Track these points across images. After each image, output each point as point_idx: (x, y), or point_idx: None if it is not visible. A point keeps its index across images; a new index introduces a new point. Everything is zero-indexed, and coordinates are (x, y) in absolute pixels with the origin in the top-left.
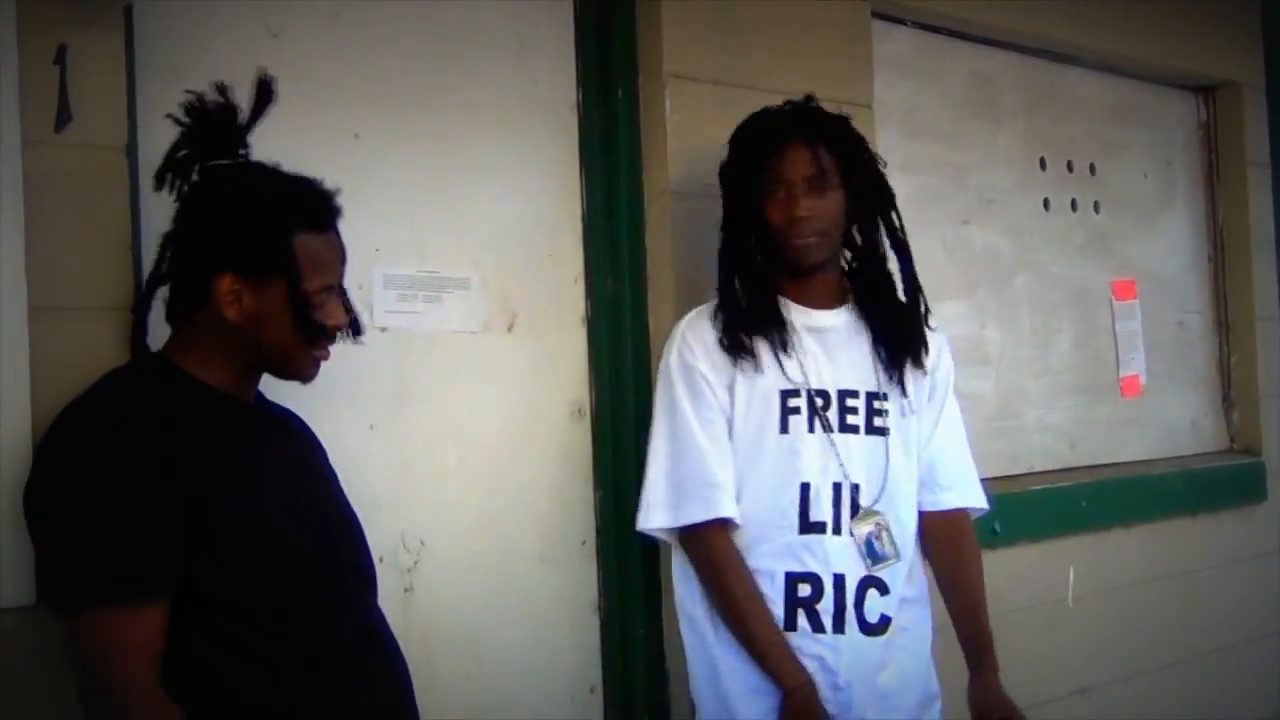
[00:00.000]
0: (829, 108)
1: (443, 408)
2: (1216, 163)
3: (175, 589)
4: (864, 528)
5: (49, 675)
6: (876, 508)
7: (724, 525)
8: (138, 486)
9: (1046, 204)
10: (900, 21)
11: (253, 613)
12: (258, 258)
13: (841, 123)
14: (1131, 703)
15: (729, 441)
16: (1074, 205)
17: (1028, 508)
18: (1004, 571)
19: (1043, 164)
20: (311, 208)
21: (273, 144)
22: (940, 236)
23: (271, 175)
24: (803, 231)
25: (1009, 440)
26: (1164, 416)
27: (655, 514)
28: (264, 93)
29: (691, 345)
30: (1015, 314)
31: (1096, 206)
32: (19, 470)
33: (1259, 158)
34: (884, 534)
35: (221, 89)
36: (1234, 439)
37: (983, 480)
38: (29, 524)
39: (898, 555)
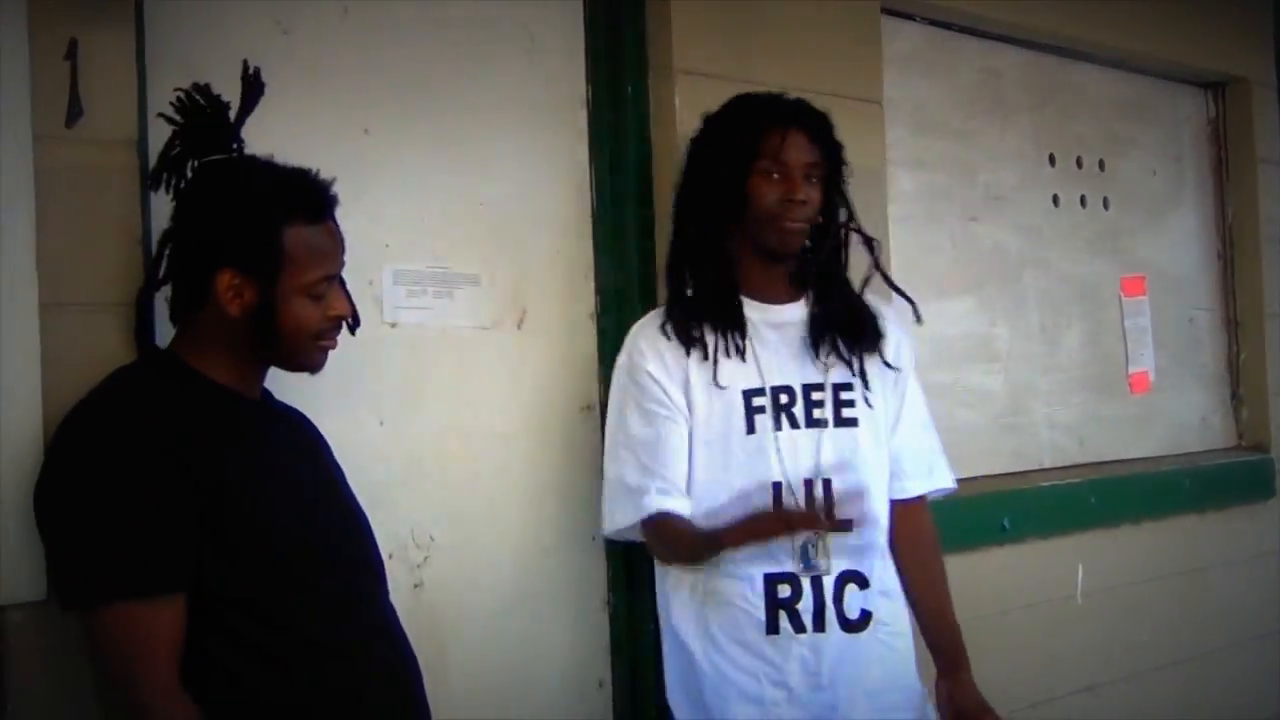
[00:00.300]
0: (839, 104)
1: (453, 403)
2: (1226, 159)
3: (190, 583)
4: (804, 533)
5: (58, 671)
6: (838, 514)
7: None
8: (151, 482)
9: (1055, 200)
10: (910, 18)
11: (262, 609)
12: (254, 252)
13: (830, 122)
14: (1139, 700)
15: (682, 434)
16: (1083, 201)
17: (1036, 504)
18: (1012, 568)
19: (1052, 160)
20: (305, 199)
21: (282, 139)
22: (949, 233)
23: (264, 168)
24: (797, 216)
25: (1018, 437)
26: (1173, 413)
27: (616, 516)
28: (253, 86)
29: (643, 348)
30: (1024, 310)
31: (1106, 203)
32: (30, 466)
33: (1269, 154)
34: (820, 544)
35: (205, 87)
36: (1243, 436)
37: (991, 476)
38: (40, 522)
39: (829, 569)
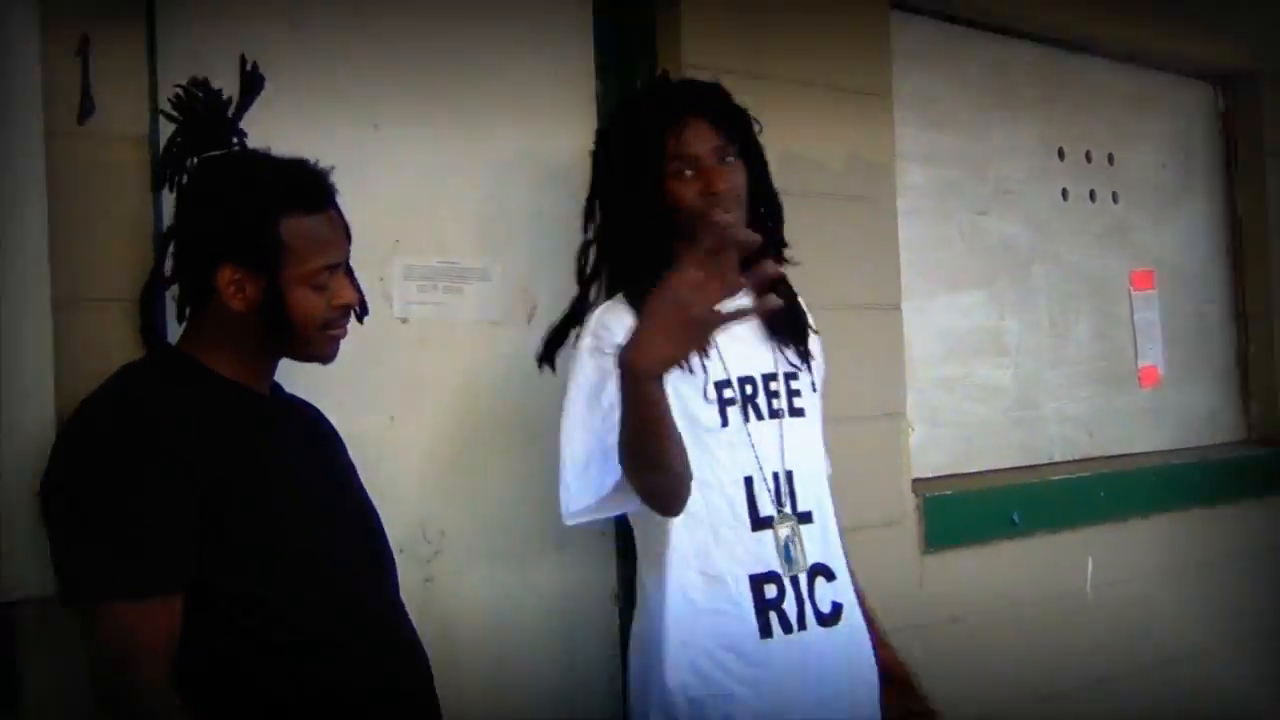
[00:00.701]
0: (848, 98)
1: (463, 398)
2: (1235, 153)
3: (189, 583)
4: (783, 530)
5: (70, 665)
6: (801, 506)
7: None
8: (151, 480)
9: (1065, 194)
10: (918, 12)
11: (268, 606)
12: (251, 245)
13: (725, 93)
14: (1149, 694)
15: None
16: (1092, 195)
17: (1046, 498)
18: (1022, 562)
19: (1061, 154)
20: (300, 188)
21: (292, 134)
22: (958, 227)
23: (260, 160)
24: (725, 206)
25: (1027, 431)
26: (1182, 407)
27: (592, 482)
28: (251, 79)
29: (609, 325)
30: (1033, 304)
31: (1115, 197)
32: (42, 461)
33: (1277, 147)
34: (798, 540)
35: (204, 82)
36: (1252, 429)
37: (1001, 470)
38: (45, 516)
39: (805, 566)
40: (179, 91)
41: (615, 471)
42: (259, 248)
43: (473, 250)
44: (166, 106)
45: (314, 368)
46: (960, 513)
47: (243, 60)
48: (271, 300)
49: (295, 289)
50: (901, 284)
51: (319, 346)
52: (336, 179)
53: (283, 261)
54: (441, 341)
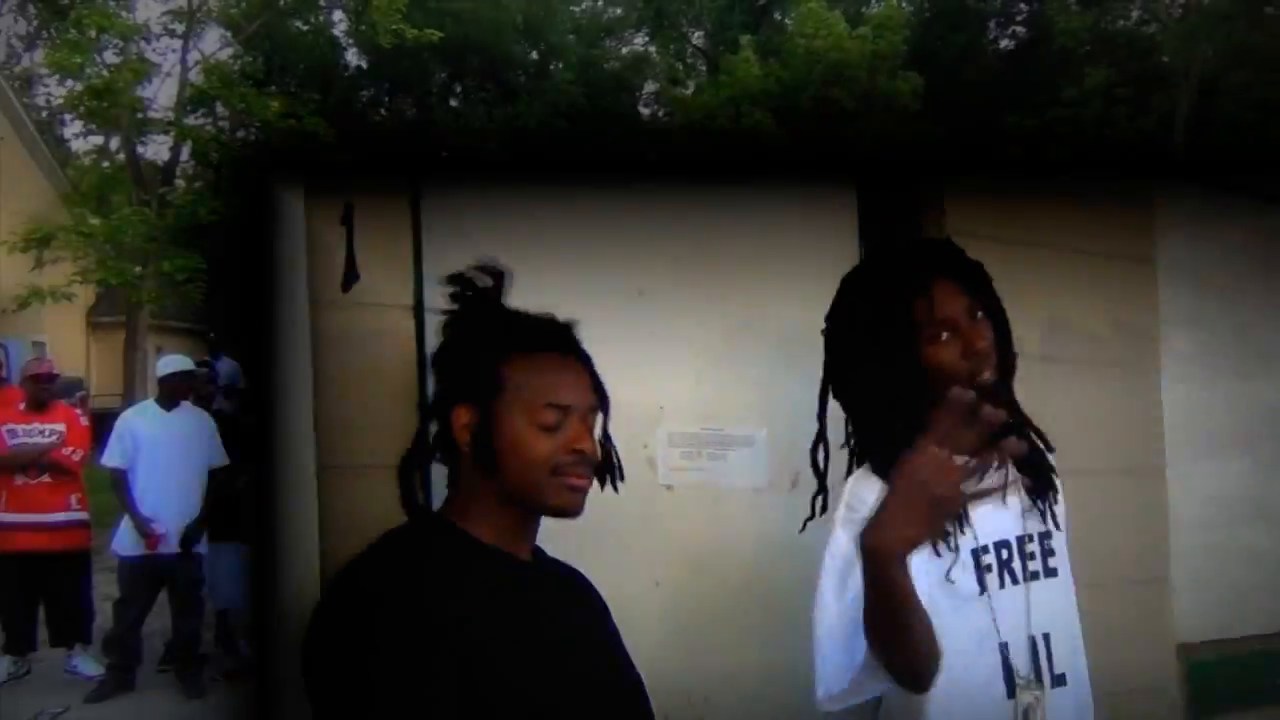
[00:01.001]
0: (1111, 264)
1: (728, 564)
2: None
3: None
4: (1025, 697)
5: None
6: (1056, 669)
7: None
8: (410, 649)
9: None
10: (1181, 178)
11: None
12: (474, 381)
13: (960, 250)
14: None
15: None
16: None
17: None
18: None
19: None
20: (527, 330)
21: (555, 301)
22: (1223, 391)
23: (498, 311)
24: (988, 364)
25: None
26: None
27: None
28: (498, 281)
29: (860, 495)
30: None
31: None
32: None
33: None
34: (1039, 709)
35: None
36: None
37: (1264, 635)
38: (305, 676)
39: None
40: (448, 291)
41: (863, 648)
42: (479, 382)
43: (736, 417)
44: (433, 274)
45: (580, 534)
46: (1226, 679)
47: (490, 268)
48: (482, 428)
49: (511, 420)
50: (1165, 448)
51: (553, 494)
52: (601, 346)
53: (499, 393)
54: (705, 508)
